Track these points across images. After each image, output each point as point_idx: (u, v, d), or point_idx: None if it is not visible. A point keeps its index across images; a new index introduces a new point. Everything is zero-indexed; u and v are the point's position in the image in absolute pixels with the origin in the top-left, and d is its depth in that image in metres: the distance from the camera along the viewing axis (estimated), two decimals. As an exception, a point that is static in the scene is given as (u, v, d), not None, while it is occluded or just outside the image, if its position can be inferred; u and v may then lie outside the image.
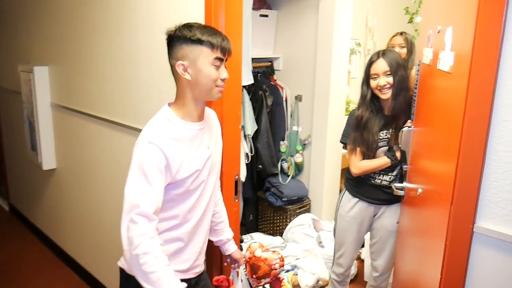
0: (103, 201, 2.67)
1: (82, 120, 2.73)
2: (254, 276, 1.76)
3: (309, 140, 3.34)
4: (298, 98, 3.38)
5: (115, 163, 2.44)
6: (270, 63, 3.44)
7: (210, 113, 1.57)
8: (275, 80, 3.42)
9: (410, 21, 3.46)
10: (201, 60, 1.34)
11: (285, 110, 3.36)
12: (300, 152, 3.36)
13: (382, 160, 2.08)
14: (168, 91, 1.90)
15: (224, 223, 1.76)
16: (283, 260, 1.77)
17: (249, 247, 1.81)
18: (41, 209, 3.65)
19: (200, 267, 1.61)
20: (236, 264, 1.79)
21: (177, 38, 1.34)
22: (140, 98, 2.15)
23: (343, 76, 3.20)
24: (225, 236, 1.76)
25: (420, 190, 1.65)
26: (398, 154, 2.04)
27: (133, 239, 1.24)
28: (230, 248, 1.77)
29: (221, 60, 1.37)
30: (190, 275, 1.55)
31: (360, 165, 2.12)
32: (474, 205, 1.02)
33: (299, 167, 3.41)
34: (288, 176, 3.32)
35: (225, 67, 1.40)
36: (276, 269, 1.74)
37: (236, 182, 1.84)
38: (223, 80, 1.39)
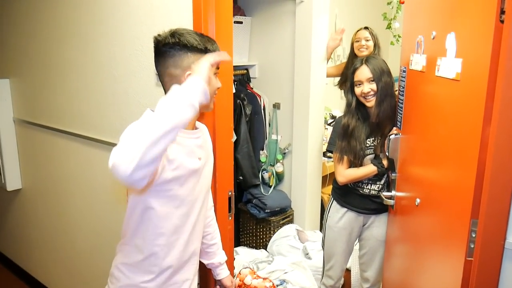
0: (76, 223, 2.48)
1: (51, 136, 2.53)
2: None
3: (289, 148, 3.28)
4: (276, 106, 3.31)
5: (92, 181, 2.27)
6: (245, 71, 3.36)
7: (202, 127, 1.46)
8: (252, 88, 3.33)
9: (388, 27, 3.48)
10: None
11: (263, 118, 3.28)
12: (281, 161, 3.28)
13: (368, 169, 2.03)
14: (150, 104, 1.77)
15: (217, 246, 1.65)
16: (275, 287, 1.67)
17: (239, 273, 1.71)
18: (5, 232, 3.37)
19: None
20: None
21: (179, 46, 1.24)
22: (119, 112, 2.01)
23: (321, 82, 3.16)
24: (217, 259, 1.65)
25: (418, 200, 1.61)
26: (385, 162, 2.00)
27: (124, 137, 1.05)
28: (222, 273, 1.67)
29: (217, 68, 1.31)
30: None
31: (346, 174, 2.07)
32: (505, 220, 0.97)
33: (279, 177, 3.34)
34: (270, 186, 3.24)
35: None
36: None
37: (229, 198, 1.74)
38: (217, 89, 1.34)
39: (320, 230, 3.36)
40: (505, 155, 0.98)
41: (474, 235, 1.14)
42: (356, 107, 2.04)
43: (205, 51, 1.25)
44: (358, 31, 3.09)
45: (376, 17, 5.09)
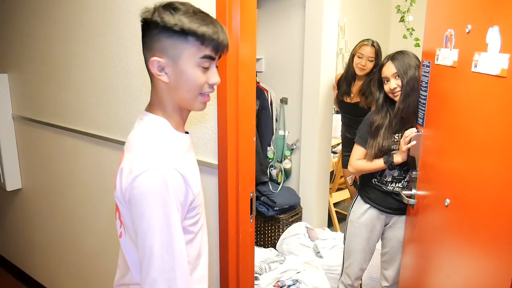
0: (83, 226, 2.39)
1: (55, 134, 2.42)
2: None
3: (297, 144, 3.21)
4: (284, 101, 3.23)
5: (100, 181, 2.18)
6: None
7: None
8: (258, 83, 3.25)
9: (402, 20, 3.41)
10: (184, 58, 1.00)
11: (271, 114, 3.21)
12: (289, 157, 3.21)
13: (377, 164, 2.01)
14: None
15: None
16: None
17: None
18: (5, 235, 3.26)
19: None
20: None
21: (154, 25, 0.98)
22: (131, 109, 1.91)
23: (331, 76, 3.09)
24: None
25: (448, 201, 1.55)
26: (397, 159, 1.94)
27: None
28: None
29: (211, 59, 1.02)
30: None
31: (355, 164, 2.10)
32: None
33: (287, 173, 3.27)
34: (278, 183, 3.17)
35: (217, 68, 1.06)
36: None
37: (251, 200, 1.66)
38: (212, 86, 1.06)
39: (328, 227, 3.32)
40: None
41: (526, 241, 1.09)
42: (386, 102, 2.03)
43: (184, 35, 0.98)
44: (363, 44, 2.81)
45: (385, 10, 5.04)
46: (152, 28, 1.00)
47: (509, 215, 1.12)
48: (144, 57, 1.05)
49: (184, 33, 0.97)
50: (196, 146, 1.66)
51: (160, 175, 0.95)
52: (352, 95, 2.94)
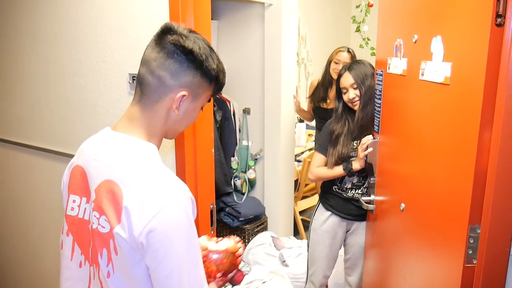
0: (41, 244, 2.30)
1: (7, 150, 2.33)
2: (218, 275, 1.37)
3: (260, 154, 3.22)
4: (246, 111, 3.25)
5: (58, 197, 2.09)
6: (213, 76, 3.27)
7: None
8: (221, 94, 3.26)
9: (357, 30, 3.51)
10: (202, 98, 1.02)
11: (234, 124, 3.22)
12: (253, 167, 3.23)
13: (337, 171, 2.05)
14: (121, 114, 1.65)
15: None
16: (242, 242, 1.51)
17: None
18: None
19: None
20: None
21: (192, 58, 0.96)
22: (87, 123, 1.87)
23: (292, 86, 3.14)
24: None
25: (403, 205, 1.59)
26: (356, 165, 1.99)
27: None
28: None
29: (208, 101, 1.07)
30: None
31: (315, 172, 2.13)
32: (511, 226, 0.96)
33: (251, 183, 3.28)
34: (242, 193, 3.17)
35: None
36: (241, 255, 1.39)
37: (211, 211, 1.65)
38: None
39: (295, 235, 3.34)
40: (510, 160, 0.96)
41: (472, 241, 1.13)
42: (345, 111, 2.08)
43: (213, 80, 1.00)
44: (339, 51, 2.93)
45: (345, 20, 5.17)
46: (189, 61, 0.96)
47: (457, 217, 1.17)
48: (146, 62, 0.98)
49: (215, 78, 1.00)
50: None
51: (183, 207, 0.90)
52: (328, 101, 3.00)
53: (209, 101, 1.06)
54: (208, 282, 1.16)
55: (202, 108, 1.05)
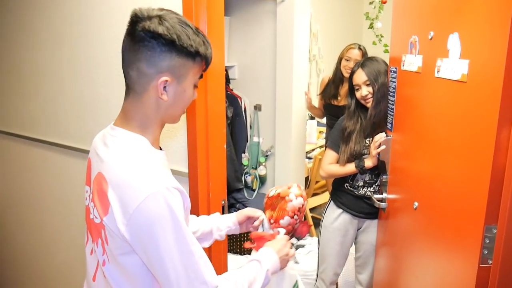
0: (54, 237, 2.33)
1: (22, 145, 2.36)
2: (271, 221, 1.33)
3: (271, 151, 3.22)
4: (257, 107, 3.25)
5: (71, 192, 2.13)
6: (225, 72, 3.27)
7: None
8: (232, 90, 3.26)
9: (371, 26, 3.48)
10: (188, 78, 0.99)
11: (245, 121, 3.21)
12: (263, 164, 3.22)
13: (349, 168, 2.04)
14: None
15: (202, 217, 1.37)
16: (301, 189, 1.36)
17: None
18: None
19: None
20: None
21: (164, 41, 0.92)
22: (99, 118, 1.88)
23: (303, 82, 3.13)
24: (214, 222, 1.35)
25: (416, 204, 1.58)
26: (368, 163, 1.97)
27: None
28: (227, 219, 1.37)
29: (200, 78, 1.04)
30: None
31: (326, 168, 2.12)
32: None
33: (262, 180, 3.28)
34: (253, 190, 3.17)
35: None
36: (291, 201, 1.30)
37: (223, 207, 1.66)
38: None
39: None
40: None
41: (488, 241, 1.12)
42: (357, 108, 2.07)
43: (194, 56, 0.97)
44: (350, 48, 2.89)
45: (357, 17, 5.13)
46: (160, 44, 0.93)
47: (472, 216, 1.15)
48: (124, 58, 0.97)
49: (195, 54, 0.96)
50: (166, 155, 1.65)
51: (162, 198, 0.89)
52: (339, 98, 2.98)
53: (201, 77, 1.03)
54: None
55: (196, 86, 1.03)
